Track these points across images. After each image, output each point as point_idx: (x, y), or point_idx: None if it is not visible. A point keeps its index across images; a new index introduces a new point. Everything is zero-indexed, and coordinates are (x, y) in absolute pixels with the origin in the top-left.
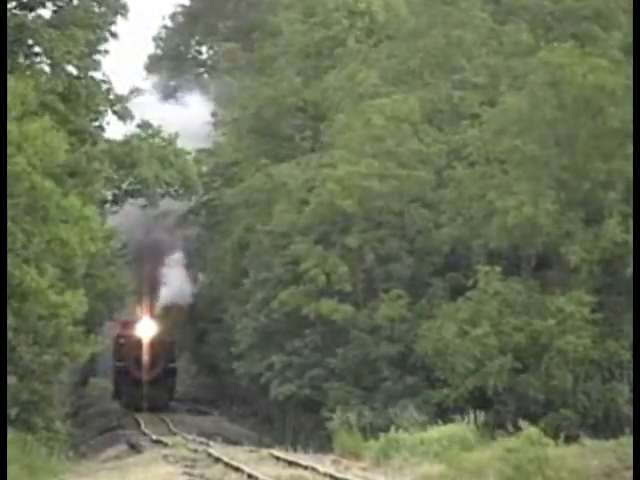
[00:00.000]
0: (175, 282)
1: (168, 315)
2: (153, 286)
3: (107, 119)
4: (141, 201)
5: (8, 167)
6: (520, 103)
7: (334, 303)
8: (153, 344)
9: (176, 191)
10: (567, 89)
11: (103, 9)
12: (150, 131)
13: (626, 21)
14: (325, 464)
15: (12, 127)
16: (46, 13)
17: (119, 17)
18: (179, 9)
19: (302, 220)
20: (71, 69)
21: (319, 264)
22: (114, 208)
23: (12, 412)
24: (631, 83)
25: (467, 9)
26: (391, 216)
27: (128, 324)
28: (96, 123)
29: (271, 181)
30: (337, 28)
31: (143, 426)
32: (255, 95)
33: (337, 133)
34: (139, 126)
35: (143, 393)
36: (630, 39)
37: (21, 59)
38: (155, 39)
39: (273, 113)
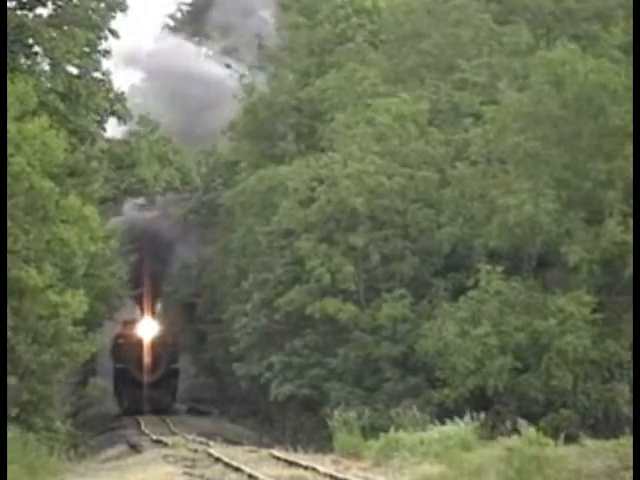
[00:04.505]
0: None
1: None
2: (155, 284)
3: (107, 117)
4: (141, 200)
5: (7, 167)
6: (522, 100)
7: (339, 302)
8: (155, 344)
9: (176, 188)
10: (569, 87)
11: (102, 7)
12: (149, 128)
13: (626, 21)
14: (325, 464)
15: (11, 127)
16: (46, 12)
17: (119, 15)
18: (183, 6)
19: (309, 218)
20: (71, 69)
21: (324, 263)
22: (114, 208)
23: (12, 412)
24: (631, 82)
25: (466, 8)
26: (395, 215)
27: (128, 324)
28: (97, 118)
29: (266, 183)
30: (343, 25)
31: (143, 426)
32: (249, 94)
33: (335, 132)
34: (137, 122)
35: (144, 395)
36: (630, 38)
37: (21, 59)
38: (156, 39)
39: (267, 113)
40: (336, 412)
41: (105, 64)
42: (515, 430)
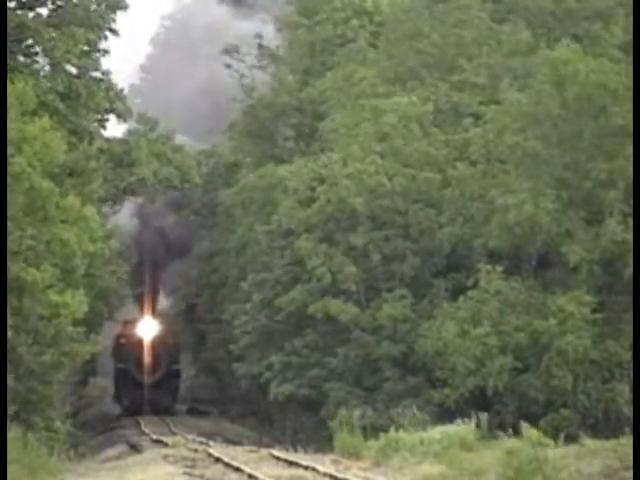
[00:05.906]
0: None
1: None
2: (155, 284)
3: (107, 117)
4: (140, 199)
5: (8, 167)
6: (522, 100)
7: (340, 303)
8: (155, 344)
9: (175, 187)
10: (569, 87)
11: (102, 7)
12: (148, 126)
13: (626, 20)
14: (325, 464)
15: (12, 127)
16: (45, 11)
17: (119, 13)
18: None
19: (309, 218)
20: (71, 68)
21: (325, 263)
22: (115, 207)
23: (11, 411)
24: (632, 82)
25: (466, 8)
26: (396, 215)
27: (129, 323)
28: (97, 117)
29: (266, 181)
30: (344, 27)
31: (143, 426)
32: (249, 95)
33: (334, 132)
34: (137, 121)
35: (145, 396)
36: (630, 37)
37: (21, 59)
38: (153, 39)
39: (268, 114)
40: (336, 412)
41: (105, 63)
42: (515, 430)
